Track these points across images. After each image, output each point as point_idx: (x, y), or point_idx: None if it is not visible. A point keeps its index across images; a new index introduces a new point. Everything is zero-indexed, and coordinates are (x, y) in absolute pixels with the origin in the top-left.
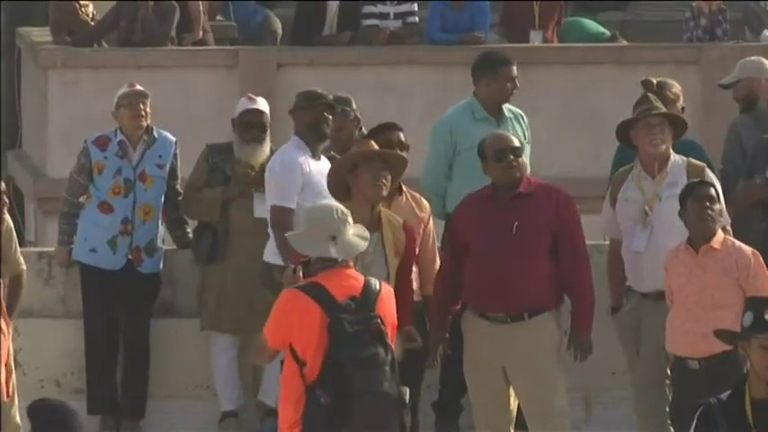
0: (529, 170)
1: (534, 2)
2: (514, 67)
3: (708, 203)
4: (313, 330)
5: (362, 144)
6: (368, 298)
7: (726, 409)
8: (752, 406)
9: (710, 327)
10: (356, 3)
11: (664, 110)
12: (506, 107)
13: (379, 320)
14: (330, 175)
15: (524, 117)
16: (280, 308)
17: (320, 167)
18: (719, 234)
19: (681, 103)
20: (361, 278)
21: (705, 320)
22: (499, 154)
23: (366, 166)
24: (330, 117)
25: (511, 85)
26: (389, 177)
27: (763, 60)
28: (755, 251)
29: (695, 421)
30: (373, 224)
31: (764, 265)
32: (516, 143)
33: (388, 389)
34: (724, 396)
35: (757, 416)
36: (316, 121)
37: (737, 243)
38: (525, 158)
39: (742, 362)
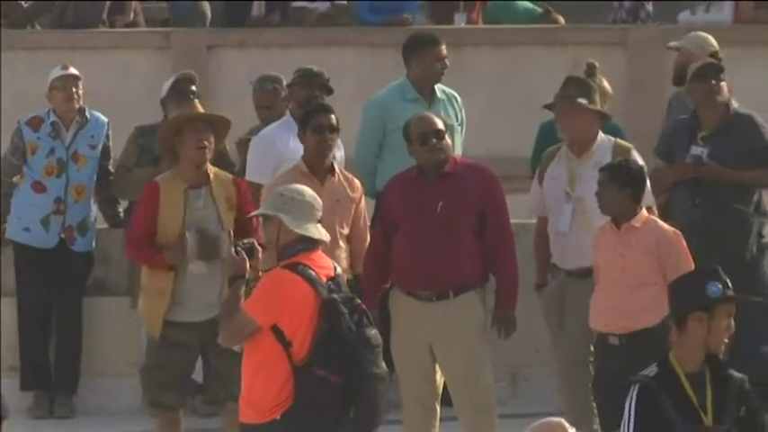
0: (461, 152)
1: None
2: (443, 47)
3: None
4: (306, 310)
5: (188, 107)
6: (340, 279)
7: (663, 384)
8: (687, 380)
9: (633, 304)
10: None
11: (582, 101)
12: (439, 88)
13: (359, 301)
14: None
15: (458, 98)
16: (270, 287)
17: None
18: (642, 213)
19: (606, 100)
20: (330, 260)
21: (628, 297)
22: (423, 137)
23: (190, 128)
24: (324, 96)
25: (440, 64)
26: (212, 140)
27: (710, 40)
28: (677, 231)
29: (634, 399)
30: (201, 181)
31: (685, 245)
32: (440, 126)
33: (385, 368)
34: (651, 372)
35: (695, 389)
36: (308, 98)
37: (660, 222)
38: (458, 139)
39: (665, 338)
